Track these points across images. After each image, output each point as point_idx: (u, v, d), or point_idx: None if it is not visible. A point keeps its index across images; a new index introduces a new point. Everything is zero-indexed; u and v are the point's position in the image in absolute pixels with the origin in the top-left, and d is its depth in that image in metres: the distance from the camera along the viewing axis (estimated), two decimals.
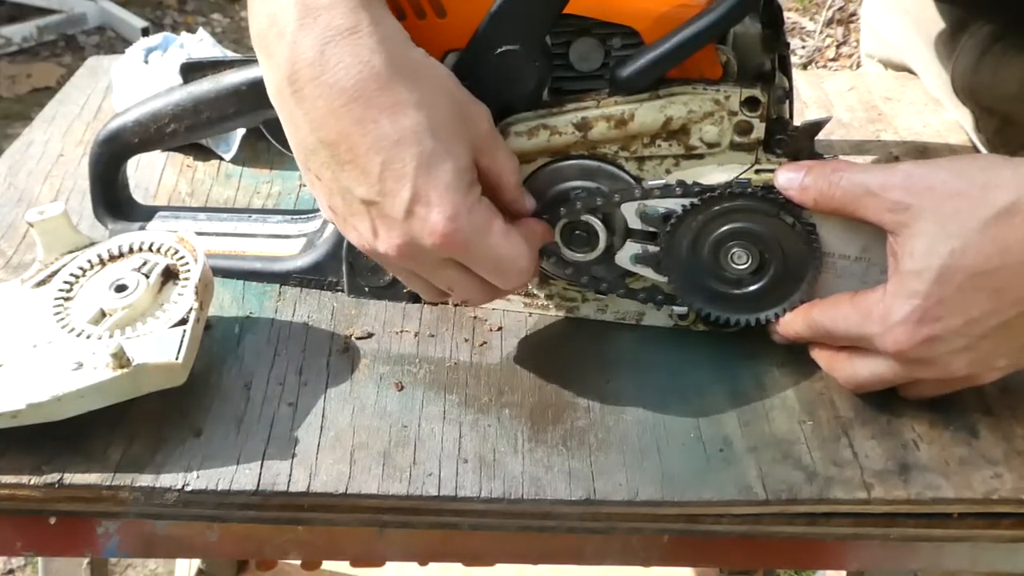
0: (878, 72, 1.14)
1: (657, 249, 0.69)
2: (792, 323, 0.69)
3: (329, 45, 0.62)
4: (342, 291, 0.78)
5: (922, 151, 0.97)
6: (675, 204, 0.68)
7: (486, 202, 0.65)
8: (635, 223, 0.69)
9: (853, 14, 3.19)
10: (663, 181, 0.69)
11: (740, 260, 0.68)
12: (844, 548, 0.67)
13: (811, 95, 1.07)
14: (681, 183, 0.68)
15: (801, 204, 0.66)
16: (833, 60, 3.14)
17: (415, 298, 0.77)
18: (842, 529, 0.63)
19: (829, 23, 3.25)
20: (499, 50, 0.67)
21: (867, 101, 1.06)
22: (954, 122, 1.01)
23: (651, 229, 0.69)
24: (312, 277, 0.79)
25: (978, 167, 0.64)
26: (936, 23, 0.99)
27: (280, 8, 0.63)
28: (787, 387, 0.70)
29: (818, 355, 0.69)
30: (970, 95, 0.98)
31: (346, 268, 0.77)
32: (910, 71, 1.09)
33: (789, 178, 0.67)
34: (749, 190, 0.67)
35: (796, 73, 0.76)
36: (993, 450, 0.65)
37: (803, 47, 3.19)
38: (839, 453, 0.65)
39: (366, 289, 0.77)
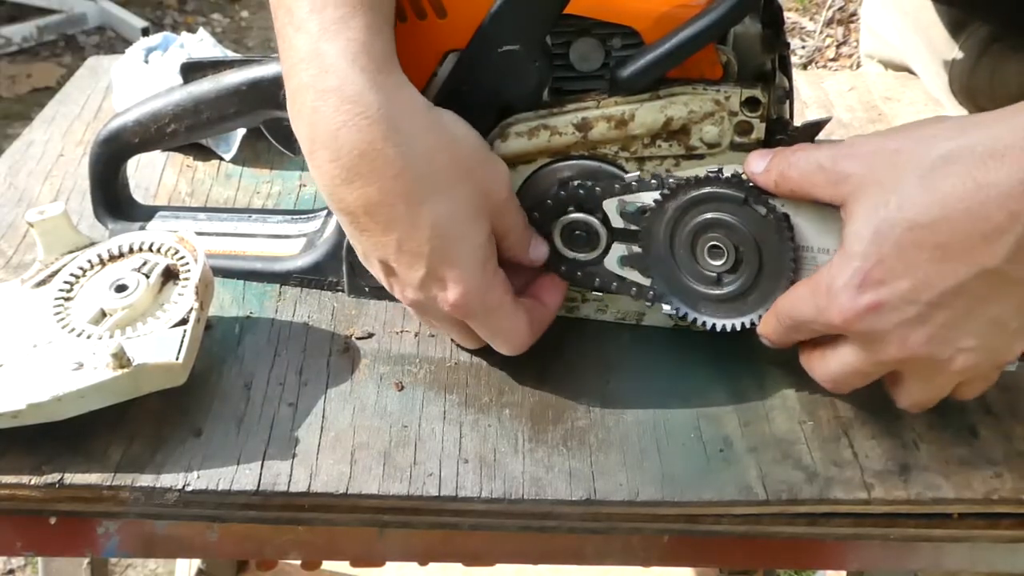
0: (878, 72, 1.14)
1: (640, 249, 0.69)
2: (767, 320, 0.67)
3: (343, 130, 0.62)
4: (342, 291, 0.78)
5: None
6: (650, 197, 0.68)
7: (500, 276, 0.67)
8: (617, 221, 0.69)
9: (853, 14, 3.19)
10: (637, 173, 0.68)
11: (716, 256, 0.67)
12: (844, 548, 0.67)
13: (811, 95, 1.07)
14: (656, 175, 0.68)
15: (764, 187, 0.65)
16: (833, 60, 3.14)
17: None
18: (842, 529, 0.63)
19: (829, 23, 3.25)
20: (499, 50, 0.67)
21: (867, 101, 1.06)
22: None
23: (633, 227, 0.69)
24: (312, 277, 0.79)
25: (917, 124, 0.62)
26: (935, 24, 0.99)
27: (301, 63, 0.63)
28: (787, 387, 0.70)
29: (801, 356, 0.66)
30: (968, 96, 0.98)
31: (346, 268, 0.77)
32: (910, 71, 1.09)
33: (756, 163, 0.65)
34: (715, 175, 0.66)
35: (796, 73, 0.76)
36: (993, 450, 0.65)
37: (803, 47, 3.19)
38: (839, 453, 0.65)
39: (366, 289, 0.77)
